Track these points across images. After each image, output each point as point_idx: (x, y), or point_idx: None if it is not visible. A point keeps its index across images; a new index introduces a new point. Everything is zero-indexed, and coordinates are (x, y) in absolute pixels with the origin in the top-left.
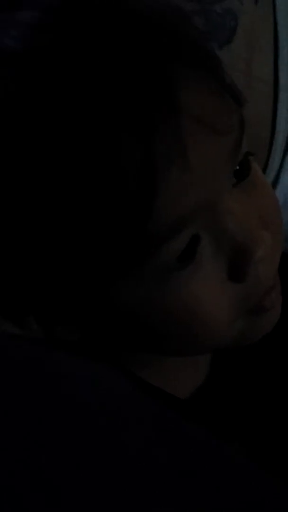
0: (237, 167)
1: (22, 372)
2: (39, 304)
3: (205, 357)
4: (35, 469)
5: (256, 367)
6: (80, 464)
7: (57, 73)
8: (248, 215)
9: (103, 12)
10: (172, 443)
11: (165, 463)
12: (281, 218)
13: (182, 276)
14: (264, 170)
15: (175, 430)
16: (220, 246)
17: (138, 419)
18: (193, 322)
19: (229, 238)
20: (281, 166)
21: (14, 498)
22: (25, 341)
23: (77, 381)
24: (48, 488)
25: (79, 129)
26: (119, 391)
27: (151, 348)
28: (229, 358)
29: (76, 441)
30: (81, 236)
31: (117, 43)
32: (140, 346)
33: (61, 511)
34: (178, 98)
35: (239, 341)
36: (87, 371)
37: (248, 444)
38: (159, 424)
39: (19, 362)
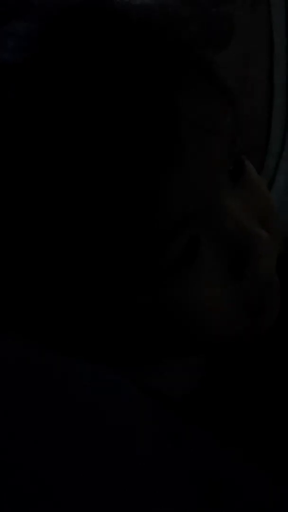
0: (231, 167)
1: (29, 378)
2: (45, 308)
3: (200, 358)
4: (41, 471)
5: (252, 368)
6: (86, 466)
7: (56, 81)
8: (245, 213)
9: (100, 22)
10: (174, 444)
11: (168, 464)
12: (276, 215)
13: (184, 277)
14: (260, 172)
15: (176, 432)
16: (219, 245)
17: (142, 421)
18: (196, 322)
19: (227, 237)
20: (276, 168)
21: (19, 498)
22: (35, 348)
23: (86, 386)
24: (51, 488)
25: (80, 134)
26: (123, 395)
27: (153, 348)
28: (225, 359)
29: (83, 444)
30: (89, 239)
31: (115, 52)
32: (142, 346)
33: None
34: (176, 102)
35: (238, 340)
36: (94, 376)
37: (245, 445)
38: (161, 425)
39: (27, 368)
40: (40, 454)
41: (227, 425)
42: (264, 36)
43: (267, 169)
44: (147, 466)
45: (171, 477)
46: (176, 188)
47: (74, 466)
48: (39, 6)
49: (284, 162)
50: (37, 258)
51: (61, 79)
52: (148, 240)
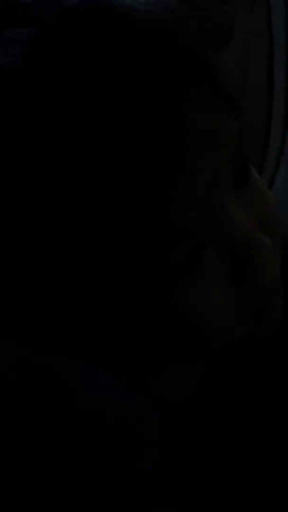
0: (236, 174)
1: (33, 381)
2: (48, 314)
3: (200, 361)
4: (44, 472)
5: (253, 369)
6: (87, 466)
7: (58, 88)
8: (249, 220)
9: (104, 28)
10: (175, 445)
11: (170, 464)
12: (279, 221)
13: (188, 283)
14: (259, 173)
15: (177, 432)
16: (222, 252)
17: (143, 421)
18: (199, 327)
19: (231, 244)
20: (275, 171)
21: (19, 499)
22: (36, 350)
23: (88, 387)
24: (52, 488)
25: (84, 143)
26: (126, 396)
27: (155, 352)
28: (225, 360)
29: (84, 444)
30: (94, 245)
31: (119, 59)
32: (143, 350)
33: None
34: (181, 110)
35: (240, 343)
36: (95, 377)
37: (246, 446)
38: (162, 425)
39: (31, 370)
40: (41, 455)
41: (228, 426)
42: (263, 35)
43: (266, 170)
44: (149, 466)
45: (173, 477)
46: (181, 195)
47: (75, 467)
48: (40, 11)
49: (283, 164)
50: (41, 263)
51: (63, 86)
52: (153, 247)
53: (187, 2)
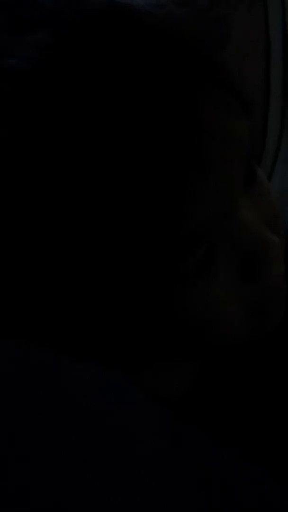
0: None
1: (33, 380)
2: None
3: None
4: (43, 472)
5: (250, 368)
6: (85, 466)
7: (70, 88)
8: (258, 219)
9: (120, 31)
10: (174, 444)
11: (168, 464)
12: (281, 220)
13: (200, 283)
14: None
15: (175, 432)
16: (233, 251)
17: (142, 420)
18: (210, 327)
19: (242, 244)
20: (272, 170)
21: (22, 501)
22: (36, 349)
23: (87, 387)
24: (51, 489)
25: (104, 146)
26: (126, 396)
27: (160, 352)
28: (222, 359)
29: (83, 444)
30: (113, 248)
31: (135, 62)
32: (149, 351)
33: None
34: (198, 112)
35: (244, 340)
36: (94, 376)
37: (242, 445)
38: (161, 424)
39: (30, 369)
40: (40, 455)
41: (224, 424)
42: (261, 37)
43: (263, 169)
44: (147, 466)
45: (171, 477)
46: (200, 198)
47: (73, 467)
48: (61, 15)
49: (280, 163)
50: (49, 261)
51: (76, 88)
52: (171, 250)
53: (185, 3)
